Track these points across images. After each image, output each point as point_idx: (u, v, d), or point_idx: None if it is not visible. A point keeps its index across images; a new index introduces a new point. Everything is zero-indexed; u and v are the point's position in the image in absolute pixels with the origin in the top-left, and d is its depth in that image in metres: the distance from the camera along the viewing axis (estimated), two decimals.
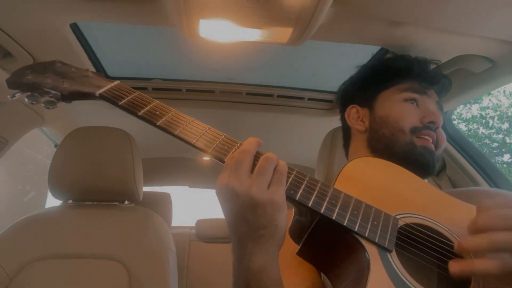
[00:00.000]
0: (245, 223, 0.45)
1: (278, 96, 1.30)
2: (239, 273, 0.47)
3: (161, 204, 1.81)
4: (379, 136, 0.72)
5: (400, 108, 0.72)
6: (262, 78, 1.27)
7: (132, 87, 1.38)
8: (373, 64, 0.84)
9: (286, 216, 0.47)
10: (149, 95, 1.40)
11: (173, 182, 2.24)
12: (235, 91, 1.29)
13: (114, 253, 1.02)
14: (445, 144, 0.73)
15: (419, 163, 0.66)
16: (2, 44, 0.89)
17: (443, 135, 0.72)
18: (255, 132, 1.51)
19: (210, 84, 1.27)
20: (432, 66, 0.83)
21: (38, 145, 1.91)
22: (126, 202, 1.19)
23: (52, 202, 1.28)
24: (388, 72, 0.78)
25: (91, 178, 1.09)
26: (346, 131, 0.84)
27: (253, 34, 0.80)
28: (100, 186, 1.10)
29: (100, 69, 1.17)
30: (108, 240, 1.05)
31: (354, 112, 0.79)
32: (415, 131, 0.69)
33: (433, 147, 0.69)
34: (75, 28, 0.91)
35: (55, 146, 1.53)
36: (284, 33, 0.79)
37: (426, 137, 0.68)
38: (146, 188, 1.33)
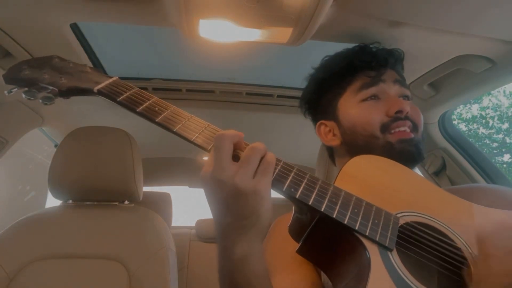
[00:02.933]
0: (229, 212, 0.45)
1: (278, 96, 1.30)
2: (222, 265, 0.47)
3: (161, 204, 1.81)
4: (356, 148, 0.67)
5: (361, 112, 0.68)
6: (262, 78, 1.27)
7: None
8: (318, 73, 0.78)
9: (269, 208, 0.46)
10: None
11: (173, 182, 2.24)
12: (235, 91, 1.29)
13: (114, 253, 1.02)
14: (422, 119, 0.69)
15: (404, 158, 0.63)
16: (2, 44, 0.89)
17: (417, 111, 0.69)
18: (255, 132, 1.51)
19: (210, 84, 1.27)
20: (374, 48, 0.77)
21: (38, 145, 1.91)
22: (126, 202, 1.18)
23: (52, 202, 1.28)
24: (332, 78, 0.74)
25: (91, 178, 1.09)
26: (327, 146, 0.80)
27: (253, 34, 0.80)
28: (100, 186, 1.10)
29: (100, 69, 1.17)
30: (108, 240, 1.05)
31: (323, 129, 0.76)
32: (385, 128, 0.65)
33: (410, 134, 0.65)
34: (75, 28, 0.91)
35: (55, 146, 1.53)
36: (284, 33, 0.79)
37: (400, 128, 0.65)
38: (146, 188, 1.33)
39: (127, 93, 0.56)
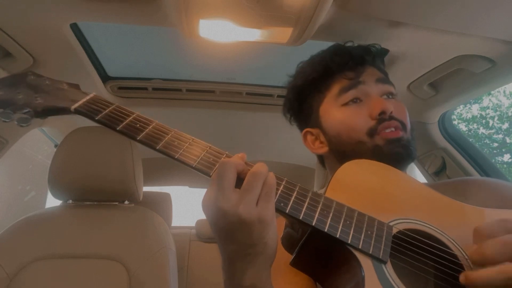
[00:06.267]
0: (234, 241, 0.44)
1: (278, 96, 1.30)
2: None
3: (161, 204, 1.81)
4: (344, 155, 0.65)
5: (343, 117, 0.66)
6: (262, 78, 1.27)
7: (132, 87, 1.38)
8: (293, 82, 0.76)
9: (275, 232, 0.45)
10: (149, 95, 1.40)
11: (173, 182, 2.24)
12: (235, 91, 1.29)
13: (114, 253, 1.02)
14: (407, 116, 0.66)
15: (394, 159, 0.61)
16: (2, 44, 0.89)
17: (401, 108, 0.66)
18: (255, 132, 1.51)
19: (210, 84, 1.27)
20: (349, 48, 0.73)
21: (38, 145, 1.91)
22: (126, 202, 1.19)
23: (52, 202, 1.28)
24: (310, 84, 0.72)
25: (91, 178, 1.09)
26: (317, 154, 0.77)
27: (253, 34, 0.80)
28: (100, 186, 1.10)
29: (100, 69, 1.17)
30: (108, 240, 1.05)
31: (309, 137, 0.74)
32: (372, 133, 0.63)
33: (398, 133, 0.63)
34: (75, 28, 0.91)
35: (55, 146, 1.53)
36: (284, 33, 0.79)
37: (386, 130, 0.63)
38: (146, 188, 1.33)
39: (106, 111, 0.53)
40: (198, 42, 0.88)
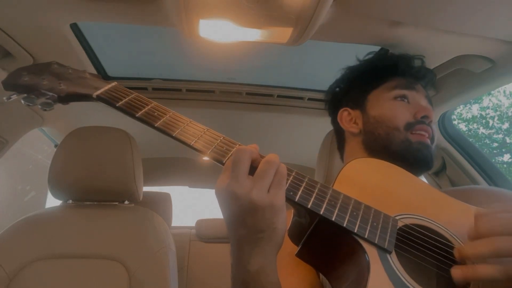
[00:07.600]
0: (244, 226, 0.45)
1: (278, 96, 1.30)
2: (237, 275, 0.47)
3: (161, 204, 1.81)
4: (375, 137, 0.72)
5: (391, 106, 0.73)
6: (262, 78, 1.27)
7: (132, 87, 1.38)
8: (358, 66, 0.84)
9: (285, 219, 0.47)
10: (149, 95, 1.39)
11: (173, 182, 2.24)
12: (235, 91, 1.29)
13: (114, 253, 1.02)
14: (437, 138, 0.74)
15: (417, 159, 0.67)
16: (2, 44, 0.89)
17: (435, 129, 0.73)
18: (255, 132, 1.51)
19: (210, 84, 1.27)
20: (416, 61, 0.83)
21: (38, 145, 1.91)
22: (126, 202, 1.18)
23: (52, 202, 1.28)
24: (374, 72, 0.79)
25: (91, 178, 1.09)
26: (339, 134, 0.84)
27: (253, 34, 0.80)
28: (100, 186, 1.10)
29: (100, 69, 1.17)
30: (108, 240, 1.05)
31: (346, 115, 0.80)
32: (409, 127, 0.69)
33: (429, 141, 0.69)
34: (75, 28, 0.91)
35: (55, 146, 1.53)
36: (284, 33, 0.79)
37: (422, 132, 0.69)
38: (146, 188, 1.33)
39: (126, 99, 0.57)
40: (198, 42, 0.88)
